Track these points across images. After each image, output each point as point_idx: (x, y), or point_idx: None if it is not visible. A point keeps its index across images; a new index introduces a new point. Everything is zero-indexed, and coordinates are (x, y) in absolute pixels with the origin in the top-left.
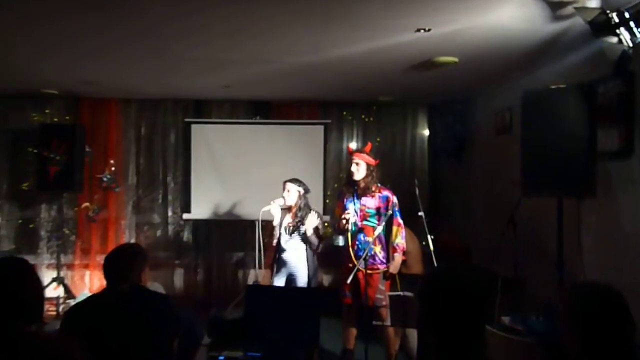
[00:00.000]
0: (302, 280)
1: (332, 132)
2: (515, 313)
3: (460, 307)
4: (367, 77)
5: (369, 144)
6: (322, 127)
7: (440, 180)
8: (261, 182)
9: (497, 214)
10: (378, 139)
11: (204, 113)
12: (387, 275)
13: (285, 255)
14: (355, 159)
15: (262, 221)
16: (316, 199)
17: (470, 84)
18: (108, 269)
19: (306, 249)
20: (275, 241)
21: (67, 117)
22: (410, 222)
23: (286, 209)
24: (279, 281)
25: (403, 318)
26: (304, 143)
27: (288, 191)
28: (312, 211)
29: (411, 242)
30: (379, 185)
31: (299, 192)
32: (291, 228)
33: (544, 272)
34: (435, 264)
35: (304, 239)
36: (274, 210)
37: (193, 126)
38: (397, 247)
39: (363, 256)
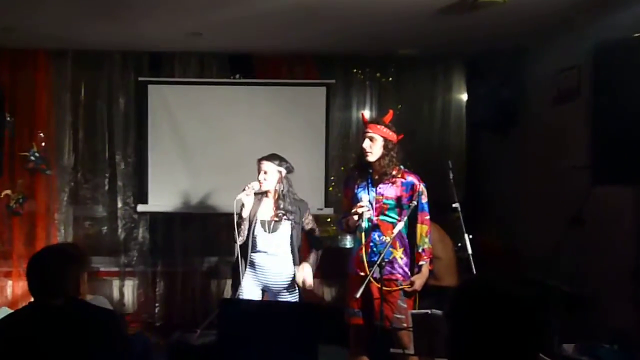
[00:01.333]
0: (286, 296)
1: (336, 95)
2: (581, 340)
3: (504, 330)
4: (384, 22)
5: (390, 112)
6: (323, 89)
7: (481, 162)
8: (241, 163)
9: (557, 209)
10: (399, 106)
11: (164, 70)
12: (409, 291)
13: (261, 260)
14: (369, 132)
15: (238, 215)
16: (315, 185)
17: (523, 33)
18: (34, 278)
19: (292, 251)
20: (241, 239)
21: None
22: (441, 218)
23: (261, 195)
24: (250, 292)
25: (430, 344)
26: (299, 111)
27: (265, 172)
28: (301, 201)
29: (441, 244)
30: (401, 168)
31: (280, 172)
32: (273, 223)
33: (618, 287)
34: (474, 271)
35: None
36: (246, 198)
37: (150, 87)
38: (423, 253)
39: (378, 262)
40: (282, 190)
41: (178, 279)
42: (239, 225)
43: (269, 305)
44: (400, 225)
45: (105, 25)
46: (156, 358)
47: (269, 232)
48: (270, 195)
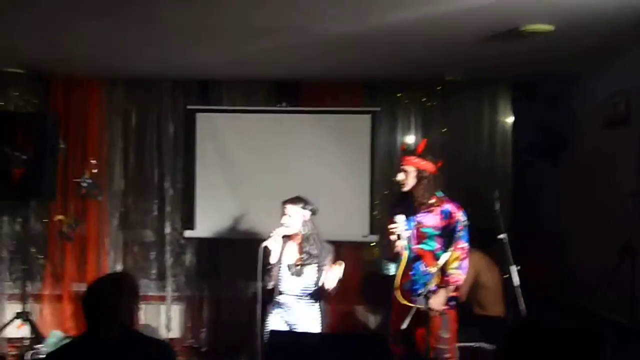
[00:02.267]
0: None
1: (381, 121)
2: None
3: None
4: (431, 50)
5: (423, 142)
6: (368, 117)
7: (529, 189)
8: (288, 189)
9: (608, 237)
10: (443, 130)
11: (212, 98)
12: (428, 315)
13: (287, 302)
14: (402, 165)
15: (266, 261)
16: (360, 213)
17: (570, 59)
18: (90, 308)
19: (317, 292)
20: (272, 284)
21: (35, 102)
22: (488, 246)
23: (286, 238)
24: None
25: None
26: (344, 138)
27: (289, 216)
28: (325, 243)
29: (488, 273)
30: (440, 195)
31: (304, 215)
32: (298, 268)
33: None
34: (521, 304)
35: (316, 293)
36: (273, 244)
37: (198, 115)
38: (448, 278)
39: (424, 293)
40: (307, 233)
41: (224, 305)
42: (269, 271)
43: (321, 336)
44: (445, 256)
45: (155, 54)
46: None
47: (294, 276)
48: (295, 238)
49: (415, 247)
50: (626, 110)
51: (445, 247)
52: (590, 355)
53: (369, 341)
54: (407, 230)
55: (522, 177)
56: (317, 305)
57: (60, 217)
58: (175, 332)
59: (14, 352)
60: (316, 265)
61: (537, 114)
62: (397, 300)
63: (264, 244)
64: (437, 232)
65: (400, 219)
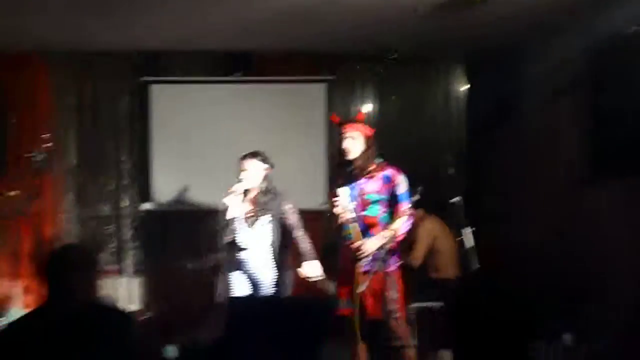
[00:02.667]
0: (270, 290)
1: (336, 91)
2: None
3: (504, 324)
4: (383, 21)
5: (361, 113)
6: (324, 85)
7: (483, 158)
8: None
9: (555, 205)
10: (398, 100)
11: (166, 69)
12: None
13: (245, 255)
14: (348, 132)
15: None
16: (316, 181)
17: (519, 28)
18: (49, 279)
19: (272, 244)
20: (228, 239)
21: None
22: (442, 212)
23: (245, 193)
24: (239, 288)
25: (433, 336)
26: (300, 107)
27: (247, 170)
28: (279, 194)
29: (443, 238)
30: (380, 162)
31: (261, 169)
32: (253, 219)
33: (616, 283)
34: (474, 264)
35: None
36: (231, 201)
37: (152, 87)
38: (391, 231)
39: (380, 256)
40: (263, 187)
41: (182, 276)
42: (226, 226)
43: (272, 300)
44: (399, 221)
45: (108, 25)
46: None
47: (249, 227)
48: (252, 192)
49: (360, 214)
50: (574, 78)
51: (389, 210)
52: (536, 309)
53: (313, 304)
54: (351, 201)
55: (476, 146)
56: (274, 255)
57: (14, 192)
58: (134, 305)
59: None
60: (271, 216)
61: (489, 84)
62: (346, 265)
63: (224, 200)
64: (379, 197)
65: (342, 191)
